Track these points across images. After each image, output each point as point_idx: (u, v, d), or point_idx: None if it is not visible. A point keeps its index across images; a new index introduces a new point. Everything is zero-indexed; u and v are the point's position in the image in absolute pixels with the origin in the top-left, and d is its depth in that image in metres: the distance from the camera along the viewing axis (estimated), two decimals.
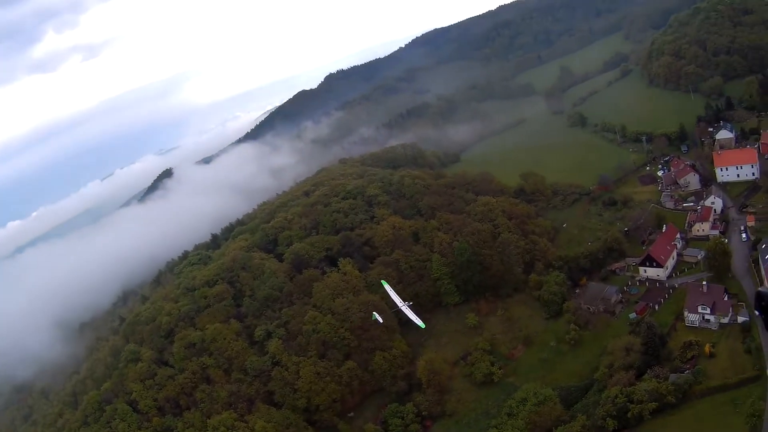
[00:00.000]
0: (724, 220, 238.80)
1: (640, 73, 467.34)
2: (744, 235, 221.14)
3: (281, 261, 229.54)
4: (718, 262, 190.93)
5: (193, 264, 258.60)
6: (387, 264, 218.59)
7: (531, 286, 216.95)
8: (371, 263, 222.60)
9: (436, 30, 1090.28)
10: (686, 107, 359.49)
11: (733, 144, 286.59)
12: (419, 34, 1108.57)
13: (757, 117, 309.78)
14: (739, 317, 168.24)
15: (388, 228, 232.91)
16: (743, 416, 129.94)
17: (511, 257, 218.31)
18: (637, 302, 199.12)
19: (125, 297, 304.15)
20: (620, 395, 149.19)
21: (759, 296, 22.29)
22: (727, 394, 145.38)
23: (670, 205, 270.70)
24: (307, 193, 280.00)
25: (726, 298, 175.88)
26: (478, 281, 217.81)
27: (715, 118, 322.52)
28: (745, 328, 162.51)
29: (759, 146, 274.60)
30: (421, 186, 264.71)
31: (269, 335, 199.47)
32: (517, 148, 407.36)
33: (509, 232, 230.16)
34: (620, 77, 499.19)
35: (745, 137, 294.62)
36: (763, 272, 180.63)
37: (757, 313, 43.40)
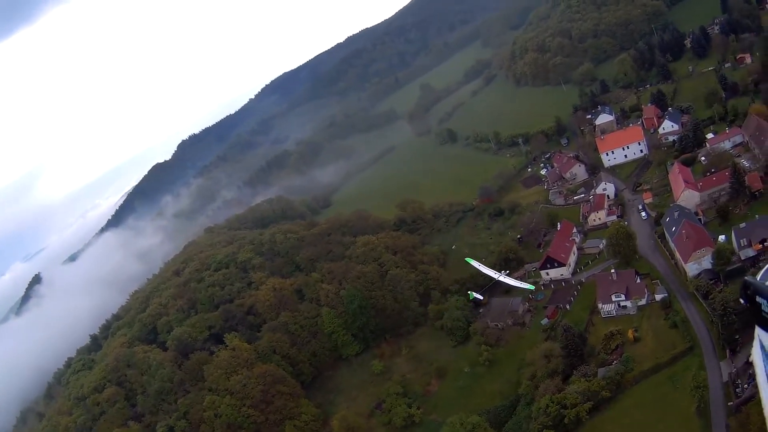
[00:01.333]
0: (619, 204, 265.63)
1: (505, 76, 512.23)
2: (644, 214, 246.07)
3: (165, 350, 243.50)
4: (622, 247, 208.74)
5: (77, 371, 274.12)
6: (275, 329, 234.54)
7: (431, 317, 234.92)
8: (258, 332, 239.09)
9: (285, 74, 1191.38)
10: (560, 100, 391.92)
11: (615, 126, 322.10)
12: (269, 82, 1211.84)
13: (636, 93, 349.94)
14: (656, 296, 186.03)
15: (268, 291, 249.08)
16: (687, 390, 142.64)
17: (404, 293, 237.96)
18: (545, 307, 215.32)
19: (24, 417, 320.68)
20: (551, 404, 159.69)
21: (744, 285, 16.44)
22: (662, 374, 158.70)
23: (560, 201, 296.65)
24: (177, 272, 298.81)
25: (638, 281, 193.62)
26: (375, 325, 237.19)
27: (592, 104, 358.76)
28: (665, 304, 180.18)
29: (642, 122, 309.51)
30: (295, 240, 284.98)
31: (171, 430, 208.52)
32: (389, 178, 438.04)
33: (396, 267, 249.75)
34: (485, 85, 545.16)
35: (626, 116, 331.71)
36: (672, 245, 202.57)
37: (742, 301, 39.69)
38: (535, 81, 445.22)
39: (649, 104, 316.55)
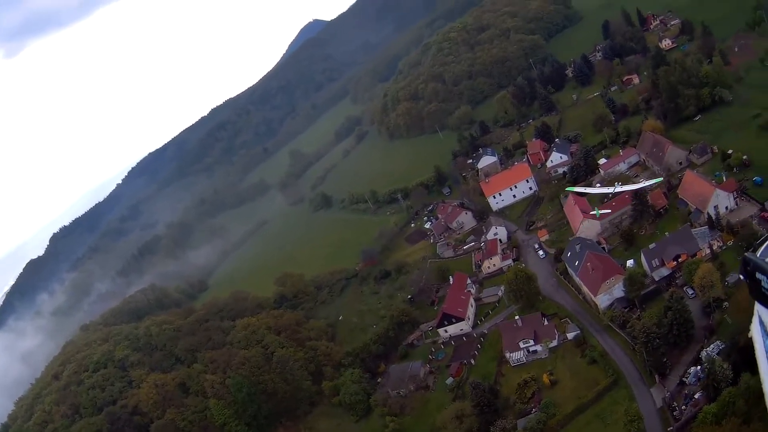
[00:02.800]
0: (514, 247, 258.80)
1: (377, 130, 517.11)
2: (541, 253, 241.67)
3: None
4: (523, 291, 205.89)
5: None
6: (163, 428, 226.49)
7: (327, 394, 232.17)
8: None
9: (150, 154, 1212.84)
10: (438, 148, 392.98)
11: (500, 167, 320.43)
12: (135, 164, 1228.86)
13: (518, 130, 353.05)
14: (568, 334, 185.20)
15: (150, 389, 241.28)
16: (620, 424, 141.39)
17: (294, 373, 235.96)
18: (448, 365, 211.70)
19: None
20: None
21: (744, 261, 15.98)
22: (589, 413, 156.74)
23: (449, 253, 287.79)
24: (56, 376, 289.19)
25: (546, 322, 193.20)
26: (268, 411, 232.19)
27: (473, 148, 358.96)
28: (579, 341, 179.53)
29: (528, 158, 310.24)
30: (171, 331, 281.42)
31: None
32: (265, 253, 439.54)
33: (282, 347, 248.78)
34: (357, 143, 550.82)
35: (510, 155, 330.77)
36: (577, 280, 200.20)
37: (742, 277, 32.68)
38: (410, 132, 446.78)
39: (533, 139, 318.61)
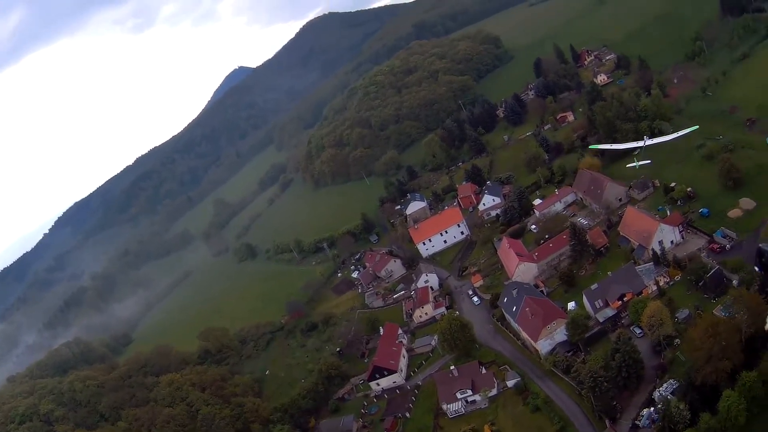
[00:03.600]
0: (446, 294, 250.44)
1: (302, 178, 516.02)
2: (476, 299, 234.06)
3: None
4: (458, 339, 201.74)
5: None
6: None
7: None
8: None
9: (77, 204, 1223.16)
10: (365, 195, 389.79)
11: (429, 212, 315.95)
12: (61, 213, 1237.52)
13: (448, 174, 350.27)
14: (508, 382, 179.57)
15: None
16: None
17: (220, 431, 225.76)
18: (382, 420, 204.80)
19: None
20: None
21: (760, 252, 6.97)
22: None
23: (378, 303, 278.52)
24: None
25: (484, 371, 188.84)
26: None
27: (401, 194, 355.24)
28: (521, 389, 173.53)
29: (459, 202, 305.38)
30: (95, 387, 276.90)
31: None
32: (190, 305, 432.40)
33: (207, 405, 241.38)
34: (282, 191, 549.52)
35: (440, 200, 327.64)
36: (515, 325, 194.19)
37: (757, 269, 64.03)
38: (336, 179, 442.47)
39: (464, 182, 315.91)
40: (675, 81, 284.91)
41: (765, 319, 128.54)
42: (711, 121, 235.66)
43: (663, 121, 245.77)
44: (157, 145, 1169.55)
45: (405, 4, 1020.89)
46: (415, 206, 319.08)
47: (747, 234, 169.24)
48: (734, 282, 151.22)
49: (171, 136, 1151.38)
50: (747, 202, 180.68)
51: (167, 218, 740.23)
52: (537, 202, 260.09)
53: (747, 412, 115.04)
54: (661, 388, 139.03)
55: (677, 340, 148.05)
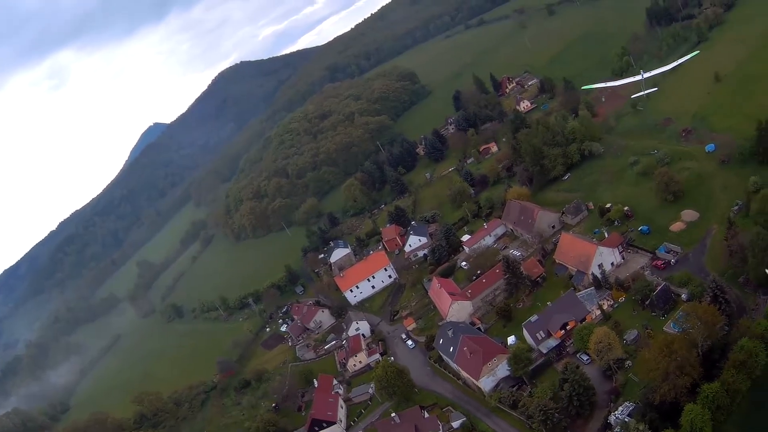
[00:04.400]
0: (379, 340, 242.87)
1: (223, 233, 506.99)
2: (410, 342, 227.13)
3: None
4: (396, 386, 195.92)
5: None
6: None
7: None
8: None
9: (6, 271, 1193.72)
10: (287, 246, 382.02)
11: (354, 259, 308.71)
12: None
13: (371, 218, 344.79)
14: (453, 423, 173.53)
15: None
16: None
17: None
18: None
19: None
20: None
21: None
22: None
23: (310, 355, 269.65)
24: None
25: (426, 415, 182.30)
26: None
27: (323, 242, 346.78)
28: (467, 429, 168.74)
29: (384, 245, 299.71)
30: None
31: None
32: (122, 369, 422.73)
33: None
34: (204, 248, 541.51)
35: (365, 245, 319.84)
36: (454, 366, 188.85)
37: None
38: (256, 232, 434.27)
39: (387, 225, 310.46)
40: (603, 99, 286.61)
41: (722, 328, 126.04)
42: (644, 136, 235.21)
43: (593, 141, 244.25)
44: (78, 208, 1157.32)
45: (317, 47, 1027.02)
46: (339, 254, 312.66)
47: (693, 246, 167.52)
48: (683, 296, 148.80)
49: (91, 198, 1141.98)
50: (690, 214, 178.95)
51: (93, 282, 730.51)
52: (465, 237, 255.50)
53: (712, 421, 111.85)
54: (616, 412, 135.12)
55: (628, 362, 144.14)
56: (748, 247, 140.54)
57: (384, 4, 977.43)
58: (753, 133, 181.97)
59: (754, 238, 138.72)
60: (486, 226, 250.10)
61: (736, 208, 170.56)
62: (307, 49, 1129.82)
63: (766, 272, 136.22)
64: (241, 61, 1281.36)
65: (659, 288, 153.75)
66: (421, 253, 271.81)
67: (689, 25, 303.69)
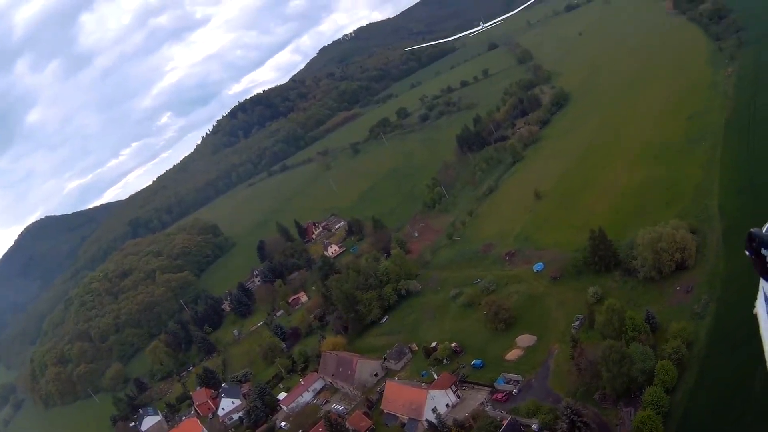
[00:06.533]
0: None
1: (32, 399, 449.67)
2: None
3: None
4: None
5: None
6: None
7: None
8: None
9: None
10: (96, 414, 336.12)
11: (166, 426, 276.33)
12: None
13: (179, 381, 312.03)
14: None
15: None
16: None
17: None
18: None
19: None
20: None
21: (750, 237, 15.18)
22: None
23: None
24: None
25: None
26: None
27: (132, 409, 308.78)
28: None
29: (196, 410, 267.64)
30: None
31: None
32: None
33: None
34: (15, 413, 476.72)
35: (176, 411, 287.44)
36: None
37: (747, 253, 14.63)
38: (64, 398, 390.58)
39: (198, 388, 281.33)
40: (416, 234, 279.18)
41: None
42: (465, 266, 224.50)
43: (409, 279, 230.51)
44: None
45: (119, 201, 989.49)
46: (149, 421, 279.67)
47: (534, 371, 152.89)
48: (534, 427, 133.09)
49: None
50: (526, 339, 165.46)
51: None
52: (282, 396, 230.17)
53: None
54: None
55: None
56: (600, 361, 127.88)
57: (187, 154, 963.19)
58: (584, 244, 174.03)
59: (606, 351, 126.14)
60: (303, 382, 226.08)
61: (577, 323, 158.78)
62: (111, 203, 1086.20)
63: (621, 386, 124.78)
64: (47, 216, 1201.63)
65: (506, 423, 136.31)
66: (235, 416, 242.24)
67: (503, 146, 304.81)
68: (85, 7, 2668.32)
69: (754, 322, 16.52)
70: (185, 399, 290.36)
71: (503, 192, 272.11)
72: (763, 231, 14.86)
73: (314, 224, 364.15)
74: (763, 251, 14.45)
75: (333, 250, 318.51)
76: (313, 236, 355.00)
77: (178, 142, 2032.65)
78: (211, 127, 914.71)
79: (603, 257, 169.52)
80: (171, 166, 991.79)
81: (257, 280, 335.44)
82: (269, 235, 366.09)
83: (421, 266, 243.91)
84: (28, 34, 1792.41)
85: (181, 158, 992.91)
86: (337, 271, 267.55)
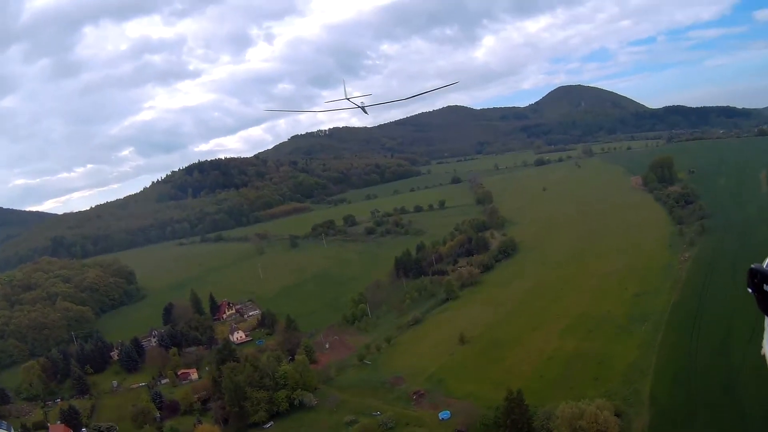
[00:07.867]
0: None
1: None
2: None
3: None
4: None
5: None
6: None
7: None
8: None
9: None
10: None
11: None
12: None
13: (43, 408, 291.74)
14: None
15: None
16: None
17: None
18: None
19: None
20: None
21: (752, 273, 13.04)
22: None
23: None
24: None
25: None
26: None
27: None
28: None
29: None
30: None
31: None
32: None
33: None
34: None
35: None
36: None
37: (750, 290, 12.12)
38: None
39: (57, 422, 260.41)
40: (327, 346, 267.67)
41: None
42: (368, 394, 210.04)
43: (306, 391, 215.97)
44: None
45: (54, 215, 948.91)
46: None
47: None
48: None
49: None
50: None
51: None
52: None
53: None
54: None
55: None
56: None
57: (132, 193, 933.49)
58: (499, 401, 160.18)
59: None
60: None
61: None
62: (46, 213, 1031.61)
63: None
64: None
65: None
66: None
67: (440, 280, 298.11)
68: (93, 20, 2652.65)
69: (762, 362, 14.25)
70: (42, 427, 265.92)
71: (428, 326, 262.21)
72: (764, 266, 13.40)
73: (228, 304, 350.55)
74: (766, 287, 13.21)
75: (239, 336, 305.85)
76: (224, 316, 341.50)
77: (130, 179, 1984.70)
78: (164, 176, 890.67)
79: (516, 422, 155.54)
80: (114, 199, 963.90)
81: (153, 341, 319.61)
82: (181, 300, 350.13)
83: (322, 381, 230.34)
84: (34, 24, 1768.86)
85: (125, 195, 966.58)
86: (235, 359, 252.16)
